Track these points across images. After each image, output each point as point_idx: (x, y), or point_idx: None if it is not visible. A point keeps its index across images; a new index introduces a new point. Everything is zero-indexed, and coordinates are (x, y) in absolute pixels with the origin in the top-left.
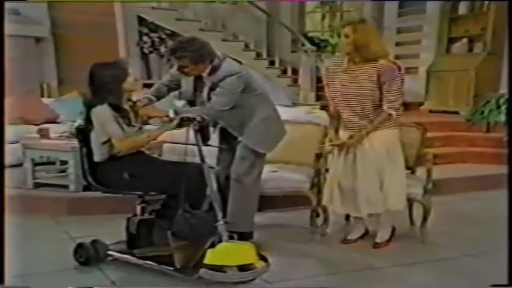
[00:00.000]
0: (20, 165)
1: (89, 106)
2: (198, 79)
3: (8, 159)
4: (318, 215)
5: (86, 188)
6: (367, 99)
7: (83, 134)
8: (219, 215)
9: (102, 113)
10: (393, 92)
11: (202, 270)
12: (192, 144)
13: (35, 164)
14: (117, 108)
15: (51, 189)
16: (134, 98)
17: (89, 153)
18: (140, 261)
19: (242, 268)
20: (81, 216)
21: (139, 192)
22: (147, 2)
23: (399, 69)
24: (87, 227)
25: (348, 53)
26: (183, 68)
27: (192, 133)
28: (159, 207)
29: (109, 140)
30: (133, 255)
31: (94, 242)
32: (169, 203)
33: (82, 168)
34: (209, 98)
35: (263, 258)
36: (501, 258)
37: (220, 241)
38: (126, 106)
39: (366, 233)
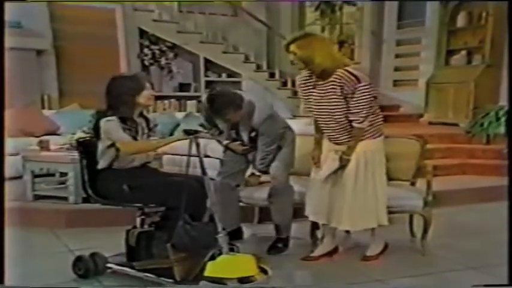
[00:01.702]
0: (20, 177)
1: (99, 117)
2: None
3: (8, 171)
4: (317, 227)
5: (86, 200)
6: (339, 114)
7: (83, 145)
8: (219, 226)
9: (109, 121)
10: (356, 104)
11: (202, 283)
12: (194, 156)
13: (35, 176)
14: (127, 120)
15: (50, 201)
16: (149, 116)
17: (89, 165)
18: (140, 274)
19: (242, 280)
20: (80, 228)
21: (139, 204)
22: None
23: (358, 80)
24: (86, 239)
25: (302, 69)
26: (230, 119)
27: (194, 145)
28: (159, 219)
29: (113, 145)
30: (132, 267)
31: (93, 254)
32: (169, 215)
33: (82, 180)
34: (250, 138)
35: (263, 270)
36: (502, 271)
37: (220, 253)
38: (139, 120)
39: (336, 250)
